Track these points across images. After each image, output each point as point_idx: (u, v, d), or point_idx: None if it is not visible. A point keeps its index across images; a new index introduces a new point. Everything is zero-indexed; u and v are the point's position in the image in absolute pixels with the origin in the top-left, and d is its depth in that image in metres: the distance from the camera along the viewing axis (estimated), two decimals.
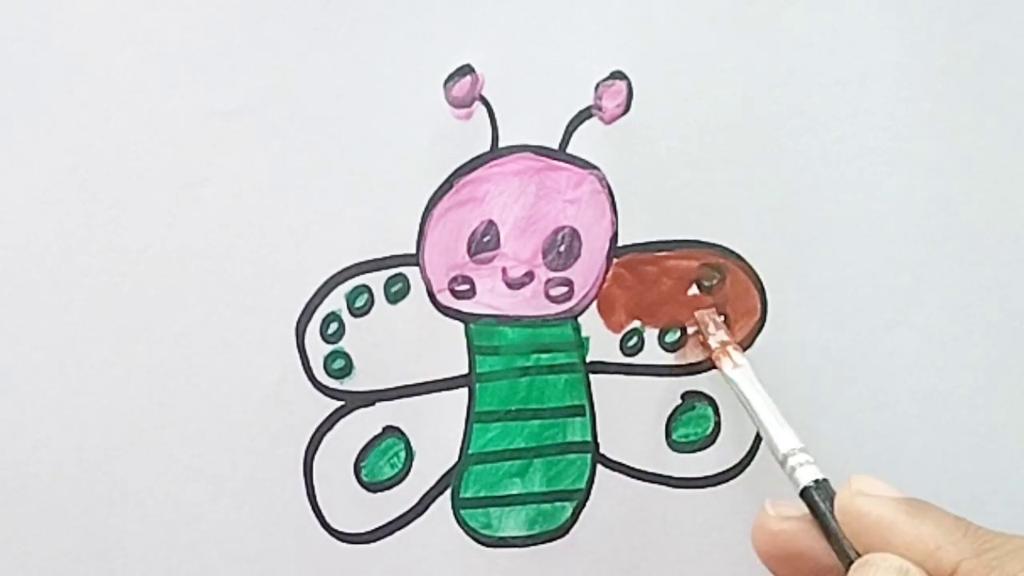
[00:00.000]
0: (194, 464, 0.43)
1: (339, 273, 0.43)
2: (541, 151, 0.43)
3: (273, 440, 0.43)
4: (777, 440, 0.40)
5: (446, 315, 0.44)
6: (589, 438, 0.45)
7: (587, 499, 0.45)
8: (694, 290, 0.45)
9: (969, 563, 0.34)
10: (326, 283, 0.43)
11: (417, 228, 0.43)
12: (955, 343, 0.46)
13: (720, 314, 0.45)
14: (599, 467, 0.45)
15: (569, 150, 0.43)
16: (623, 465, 0.45)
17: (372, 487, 0.44)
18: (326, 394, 0.43)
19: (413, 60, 0.42)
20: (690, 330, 0.45)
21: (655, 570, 0.45)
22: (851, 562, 0.36)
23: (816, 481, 0.38)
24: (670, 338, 0.45)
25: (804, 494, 0.38)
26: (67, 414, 0.42)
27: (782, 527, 0.38)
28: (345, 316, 0.43)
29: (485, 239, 0.43)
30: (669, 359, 0.45)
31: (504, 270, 0.44)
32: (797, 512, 0.38)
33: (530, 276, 0.44)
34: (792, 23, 0.44)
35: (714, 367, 0.44)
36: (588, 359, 0.44)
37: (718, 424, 0.45)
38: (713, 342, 0.44)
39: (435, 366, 0.44)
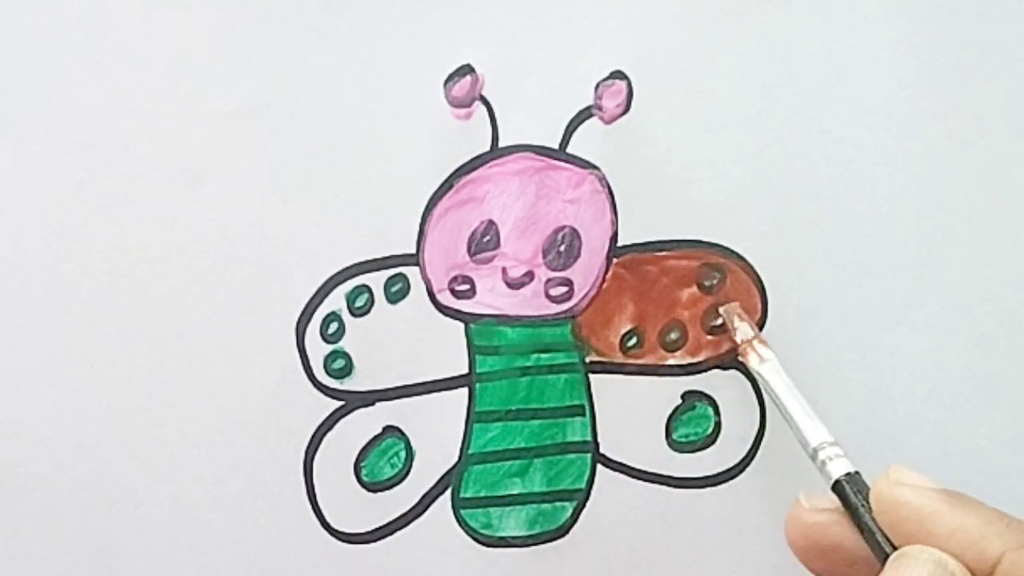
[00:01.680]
0: (194, 464, 0.43)
1: (339, 273, 0.43)
2: (541, 151, 0.43)
3: (273, 440, 0.43)
4: (808, 434, 0.40)
5: (446, 315, 0.44)
6: (589, 438, 0.45)
7: (587, 499, 0.45)
8: (694, 290, 0.45)
9: (1013, 554, 0.33)
10: (326, 283, 0.43)
11: (417, 228, 0.43)
12: (955, 343, 0.46)
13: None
14: (599, 467, 0.45)
15: (569, 150, 0.43)
16: (623, 465, 0.45)
17: (372, 487, 0.44)
18: (326, 394, 0.43)
19: (413, 60, 0.42)
20: (717, 321, 0.45)
21: (655, 570, 0.45)
22: (886, 556, 0.35)
23: (848, 474, 0.38)
24: (670, 338, 0.45)
25: (836, 487, 0.37)
26: (67, 414, 0.42)
27: (816, 519, 0.37)
28: (345, 316, 0.43)
29: (485, 239, 0.43)
30: (669, 359, 0.45)
31: (504, 270, 0.44)
32: (831, 504, 0.37)
33: (530, 276, 0.44)
34: (792, 23, 0.44)
35: (722, 367, 0.44)
36: (588, 359, 0.44)
37: (718, 424, 0.45)
38: (739, 337, 0.44)
39: (435, 366, 0.44)
